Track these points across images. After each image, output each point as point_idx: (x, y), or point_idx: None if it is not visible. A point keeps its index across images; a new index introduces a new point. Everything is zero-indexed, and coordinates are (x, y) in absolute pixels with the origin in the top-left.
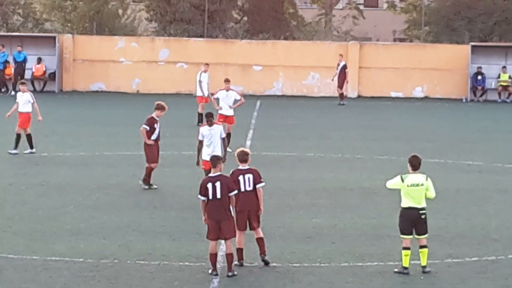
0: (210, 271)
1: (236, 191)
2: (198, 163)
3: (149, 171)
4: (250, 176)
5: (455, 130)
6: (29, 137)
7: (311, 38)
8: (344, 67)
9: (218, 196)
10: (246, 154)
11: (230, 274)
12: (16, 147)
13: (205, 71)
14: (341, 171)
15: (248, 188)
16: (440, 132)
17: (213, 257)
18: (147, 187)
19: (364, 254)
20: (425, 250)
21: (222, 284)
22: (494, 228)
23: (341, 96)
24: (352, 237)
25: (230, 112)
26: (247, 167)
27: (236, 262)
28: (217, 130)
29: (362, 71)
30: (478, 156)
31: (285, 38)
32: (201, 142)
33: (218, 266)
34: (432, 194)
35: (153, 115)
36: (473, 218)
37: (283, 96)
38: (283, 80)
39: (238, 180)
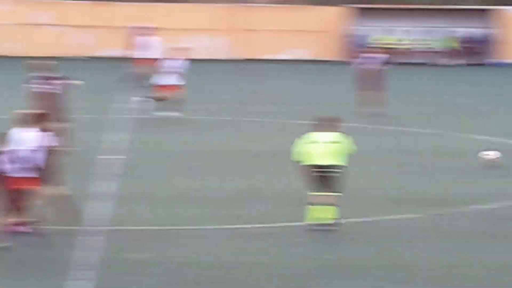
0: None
1: None
2: None
3: None
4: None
5: (333, 94)
6: None
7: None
8: None
9: None
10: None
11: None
12: None
13: None
14: (213, 134)
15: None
16: (318, 95)
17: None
18: None
19: (239, 216)
20: (332, 208)
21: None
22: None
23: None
24: (225, 199)
25: None
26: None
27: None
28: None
29: (244, 33)
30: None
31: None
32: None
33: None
34: (352, 149)
35: None
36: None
37: None
38: None
39: None
